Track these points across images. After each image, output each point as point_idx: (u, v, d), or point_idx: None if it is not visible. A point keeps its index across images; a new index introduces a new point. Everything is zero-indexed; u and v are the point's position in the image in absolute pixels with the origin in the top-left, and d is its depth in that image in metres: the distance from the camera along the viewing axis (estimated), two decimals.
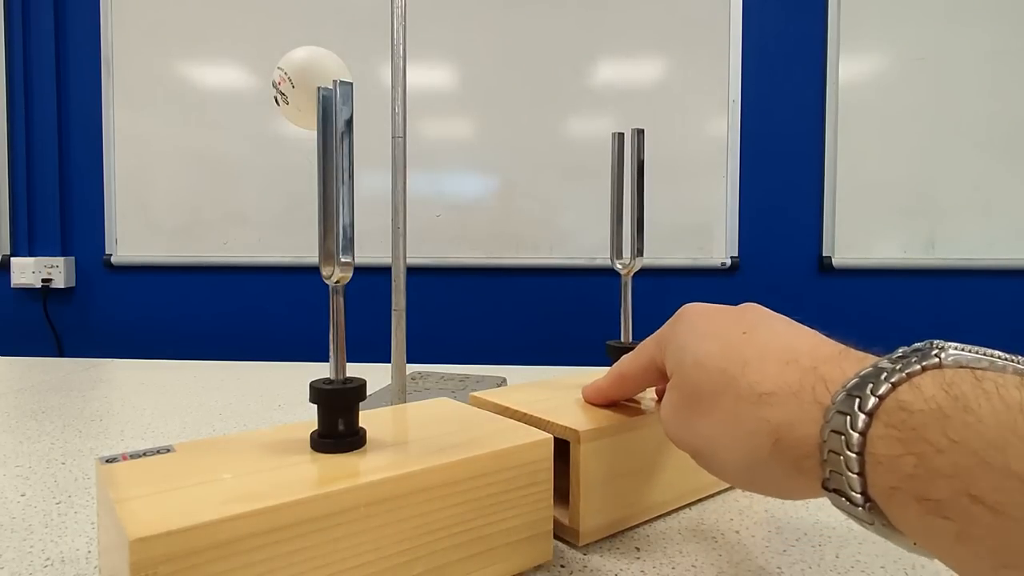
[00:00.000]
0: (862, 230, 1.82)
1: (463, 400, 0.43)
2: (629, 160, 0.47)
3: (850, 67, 1.79)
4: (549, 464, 0.34)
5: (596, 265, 1.79)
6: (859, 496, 0.23)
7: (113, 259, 1.87)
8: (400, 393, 0.57)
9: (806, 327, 0.30)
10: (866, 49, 1.79)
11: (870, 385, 0.23)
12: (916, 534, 0.22)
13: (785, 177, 1.83)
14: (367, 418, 0.35)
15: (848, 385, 0.23)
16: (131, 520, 0.24)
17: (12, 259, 1.87)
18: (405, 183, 0.56)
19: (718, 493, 0.46)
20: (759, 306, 0.34)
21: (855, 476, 0.22)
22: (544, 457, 0.34)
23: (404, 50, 0.55)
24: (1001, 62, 1.75)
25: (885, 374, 0.23)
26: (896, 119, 1.79)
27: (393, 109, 0.55)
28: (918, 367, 0.22)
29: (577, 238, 1.81)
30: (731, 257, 1.81)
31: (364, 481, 0.28)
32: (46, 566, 0.35)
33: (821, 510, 0.43)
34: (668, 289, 1.63)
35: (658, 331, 0.36)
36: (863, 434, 0.22)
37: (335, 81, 0.31)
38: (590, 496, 0.37)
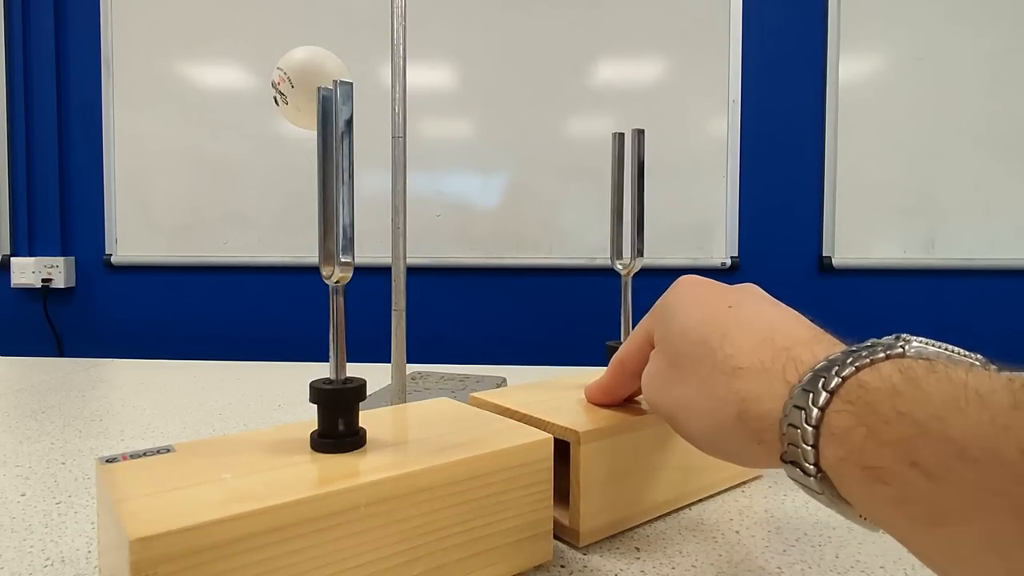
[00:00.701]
0: (862, 230, 1.82)
1: (463, 400, 0.43)
2: (629, 160, 0.47)
3: (850, 67, 1.79)
4: (549, 464, 0.34)
5: (596, 265, 1.79)
6: (812, 467, 0.24)
7: (113, 259, 1.87)
8: (400, 393, 0.57)
9: (791, 310, 0.32)
10: (866, 49, 1.79)
11: (836, 367, 0.24)
12: (858, 500, 0.24)
13: (785, 177, 1.83)
14: (367, 418, 0.35)
15: (816, 367, 0.25)
16: (131, 520, 0.24)
17: (12, 259, 1.87)
18: (405, 183, 0.56)
19: (718, 493, 0.46)
20: (753, 286, 0.35)
21: (809, 448, 0.24)
22: (544, 457, 0.34)
23: (404, 50, 0.55)
24: (1001, 62, 1.75)
25: (851, 359, 0.24)
26: (896, 119, 1.79)
27: (393, 109, 0.54)
28: (882, 355, 0.24)
29: (577, 238, 1.81)
30: (731, 257, 1.81)
31: (364, 481, 0.28)
32: (46, 566, 0.35)
33: (821, 510, 0.43)
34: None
35: (653, 306, 0.38)
36: (822, 409, 0.24)
37: (335, 81, 0.31)
38: (590, 497, 0.37)
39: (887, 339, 0.25)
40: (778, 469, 0.27)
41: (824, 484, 0.24)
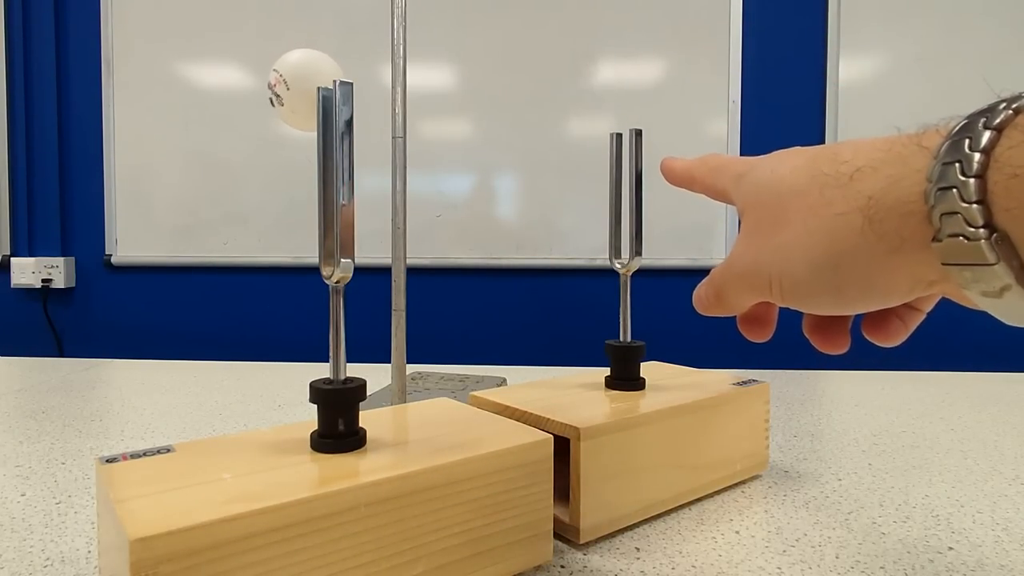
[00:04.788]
0: None
1: (463, 400, 0.43)
2: (627, 161, 0.47)
3: (850, 67, 1.79)
4: (549, 464, 0.34)
5: (596, 265, 1.79)
6: (981, 230, 0.20)
7: (113, 259, 1.87)
8: (400, 393, 0.57)
9: None
10: (866, 49, 1.79)
11: (1002, 104, 0.20)
12: None
13: None
14: (367, 418, 0.35)
15: (968, 115, 0.21)
16: (131, 520, 0.24)
17: (12, 259, 1.86)
18: (405, 183, 0.56)
19: (716, 493, 0.46)
20: None
21: (973, 205, 0.19)
22: (544, 457, 0.34)
23: (404, 50, 0.55)
24: (1001, 62, 1.75)
25: (1005, 103, 0.20)
26: (896, 119, 1.78)
27: (393, 109, 0.54)
28: None
29: (577, 238, 1.81)
30: None
31: (364, 481, 0.28)
32: (46, 566, 0.35)
33: (821, 510, 0.43)
34: (668, 289, 1.63)
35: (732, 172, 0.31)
36: (987, 152, 0.19)
37: (335, 81, 0.31)
38: (590, 494, 0.37)
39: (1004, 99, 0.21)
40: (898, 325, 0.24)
41: (1004, 248, 0.19)
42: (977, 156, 0.19)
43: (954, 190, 0.20)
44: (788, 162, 0.27)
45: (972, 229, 0.20)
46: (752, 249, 0.28)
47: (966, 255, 0.20)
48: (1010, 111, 0.20)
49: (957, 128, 0.21)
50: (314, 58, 0.44)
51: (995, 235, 0.19)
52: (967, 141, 0.20)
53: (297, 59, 0.44)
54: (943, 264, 0.21)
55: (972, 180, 0.19)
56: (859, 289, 0.24)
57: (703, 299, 0.33)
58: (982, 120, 0.20)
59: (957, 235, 0.20)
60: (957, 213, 0.20)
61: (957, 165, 0.20)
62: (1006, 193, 0.19)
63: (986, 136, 0.19)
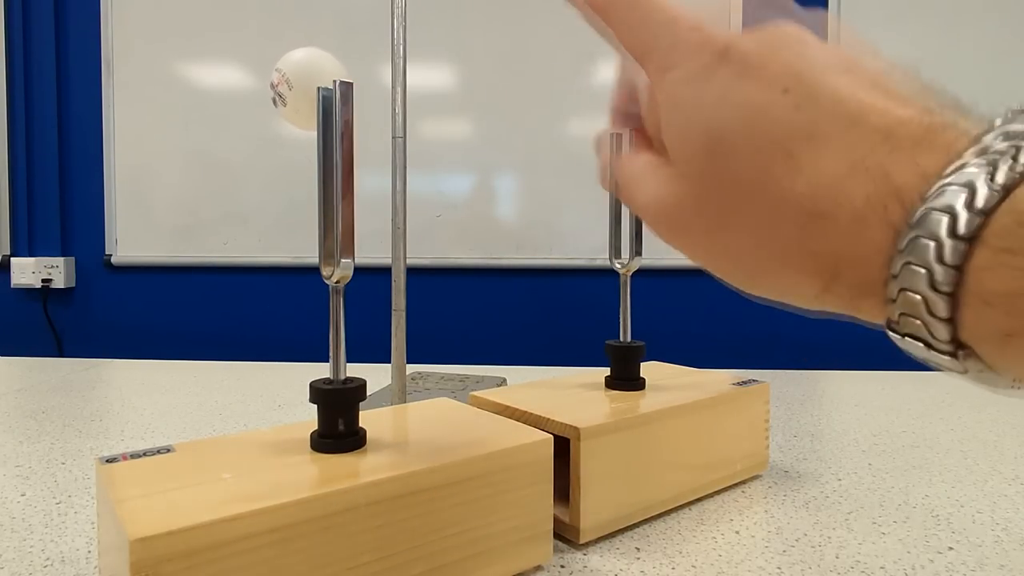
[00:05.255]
0: None
1: (463, 400, 0.43)
2: None
3: None
4: (549, 464, 0.34)
5: (596, 265, 1.79)
6: (947, 345, 0.17)
7: (113, 259, 1.87)
8: (400, 393, 0.57)
9: (866, 50, 0.23)
10: None
11: (964, 195, 0.16)
12: None
13: None
14: (367, 418, 0.35)
15: (928, 197, 0.17)
16: (131, 520, 0.24)
17: (12, 259, 1.86)
18: (405, 183, 0.56)
19: (716, 493, 0.46)
20: (793, 31, 0.24)
21: (942, 322, 0.17)
22: (544, 457, 0.34)
23: (404, 50, 0.55)
24: (1001, 62, 1.75)
25: (985, 170, 0.16)
26: None
27: (393, 109, 0.54)
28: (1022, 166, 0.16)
29: (577, 238, 1.81)
30: None
31: (364, 481, 0.28)
32: (46, 566, 0.35)
33: (821, 510, 0.43)
34: (668, 289, 1.63)
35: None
36: (958, 268, 0.16)
37: (335, 81, 0.31)
38: (590, 493, 0.37)
39: (999, 126, 0.18)
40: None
41: (970, 362, 0.17)
42: (948, 272, 0.17)
43: (918, 298, 0.17)
44: (738, 95, 0.23)
45: (939, 343, 0.18)
46: (693, 228, 0.24)
47: (921, 353, 0.18)
48: (995, 190, 0.16)
49: (921, 216, 0.17)
50: (317, 57, 0.44)
51: (961, 352, 0.18)
52: (932, 247, 0.17)
53: (300, 58, 0.44)
54: (896, 343, 0.19)
55: (941, 299, 0.17)
56: (811, 311, 0.23)
57: (609, 186, 0.29)
58: (944, 222, 0.17)
59: (917, 338, 0.18)
60: (918, 319, 0.18)
61: (923, 275, 0.17)
62: (980, 322, 0.17)
63: (958, 248, 0.17)
